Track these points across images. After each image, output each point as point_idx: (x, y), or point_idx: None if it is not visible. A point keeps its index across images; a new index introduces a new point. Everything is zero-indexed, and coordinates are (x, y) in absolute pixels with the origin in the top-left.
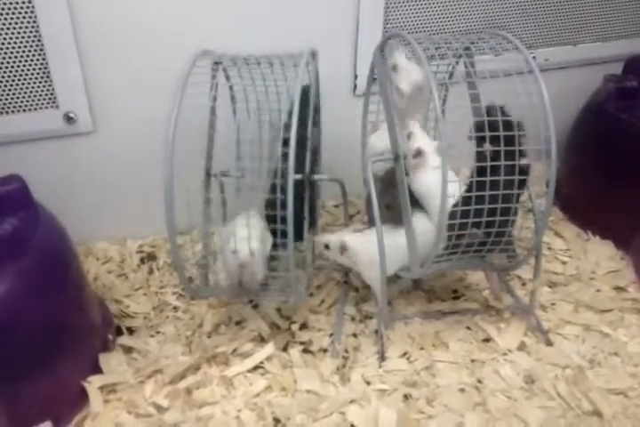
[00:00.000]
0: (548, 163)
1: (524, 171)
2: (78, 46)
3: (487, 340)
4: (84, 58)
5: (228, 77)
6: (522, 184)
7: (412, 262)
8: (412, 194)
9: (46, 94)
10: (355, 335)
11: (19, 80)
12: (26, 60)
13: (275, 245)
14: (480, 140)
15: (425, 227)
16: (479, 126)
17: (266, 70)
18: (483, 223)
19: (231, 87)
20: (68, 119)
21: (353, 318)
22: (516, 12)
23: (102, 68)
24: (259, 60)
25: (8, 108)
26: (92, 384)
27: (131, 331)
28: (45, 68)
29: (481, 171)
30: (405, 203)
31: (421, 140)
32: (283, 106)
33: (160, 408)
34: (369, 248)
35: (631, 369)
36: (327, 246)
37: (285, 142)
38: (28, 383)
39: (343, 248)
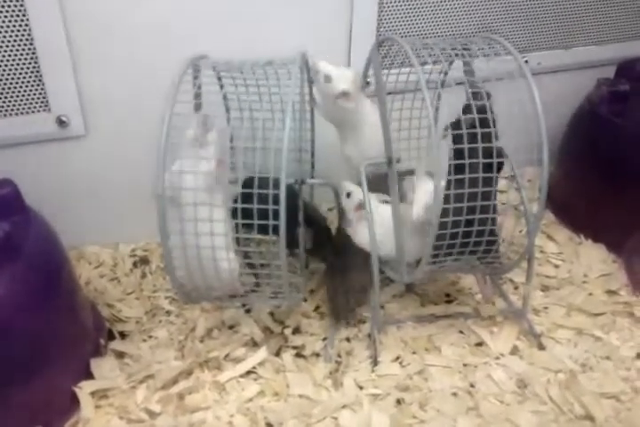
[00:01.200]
0: (541, 167)
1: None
2: (71, 50)
3: (480, 344)
4: (77, 61)
5: (222, 86)
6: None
7: (402, 267)
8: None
9: (38, 98)
10: (348, 340)
11: (10, 83)
12: (18, 64)
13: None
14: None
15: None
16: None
17: (260, 75)
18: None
19: (224, 91)
20: (61, 123)
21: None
22: (508, 15)
23: (95, 71)
24: (251, 66)
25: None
26: (84, 390)
27: (123, 335)
28: (37, 71)
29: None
30: (396, 207)
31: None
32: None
33: (152, 414)
34: (384, 220)
35: (623, 373)
36: (349, 195)
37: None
38: (18, 388)
39: (360, 206)
